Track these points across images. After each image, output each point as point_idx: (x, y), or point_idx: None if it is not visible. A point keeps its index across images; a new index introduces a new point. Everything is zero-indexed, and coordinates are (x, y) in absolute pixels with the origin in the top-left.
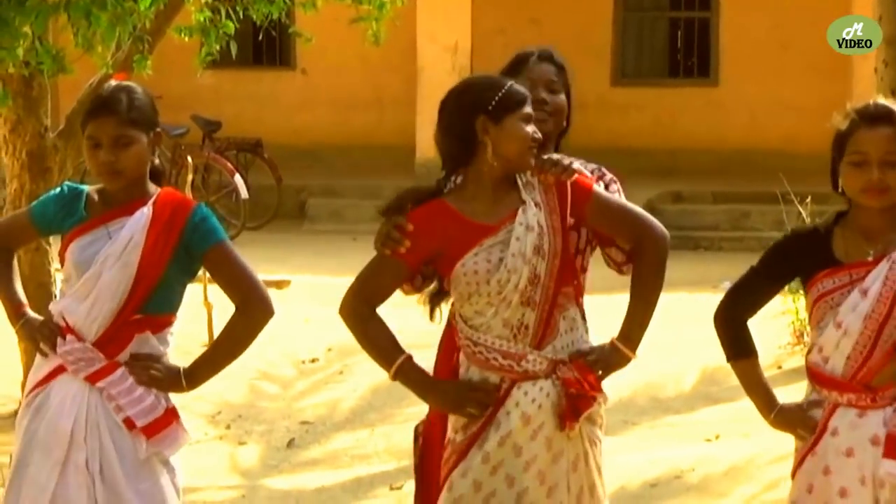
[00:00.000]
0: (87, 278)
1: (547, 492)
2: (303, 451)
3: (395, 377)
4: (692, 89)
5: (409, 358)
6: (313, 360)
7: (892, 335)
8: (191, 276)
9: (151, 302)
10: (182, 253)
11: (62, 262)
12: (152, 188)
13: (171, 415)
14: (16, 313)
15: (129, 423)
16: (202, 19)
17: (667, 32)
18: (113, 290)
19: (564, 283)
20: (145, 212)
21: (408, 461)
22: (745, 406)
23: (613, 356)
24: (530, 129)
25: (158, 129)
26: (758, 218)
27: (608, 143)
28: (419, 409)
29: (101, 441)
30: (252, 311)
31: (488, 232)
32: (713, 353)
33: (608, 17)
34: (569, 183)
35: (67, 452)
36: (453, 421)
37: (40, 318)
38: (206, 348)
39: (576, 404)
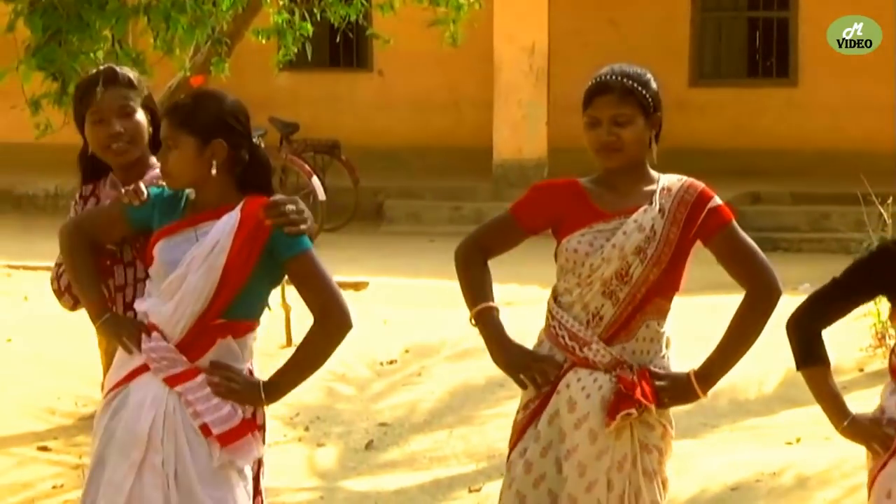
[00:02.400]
0: (173, 279)
1: (586, 486)
2: (381, 452)
3: (473, 320)
4: (771, 90)
5: (494, 308)
6: (391, 362)
7: None
8: (275, 283)
9: (234, 307)
10: (267, 259)
11: (148, 260)
12: (241, 194)
13: (247, 425)
14: (98, 309)
15: (206, 430)
16: (280, 21)
17: (745, 32)
18: (197, 293)
19: (660, 293)
20: (233, 216)
21: (486, 463)
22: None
23: (685, 390)
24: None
25: (221, 140)
26: (838, 219)
27: (686, 144)
28: (497, 411)
29: (177, 445)
30: (331, 323)
31: (601, 217)
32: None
33: (686, 18)
34: (711, 206)
35: (145, 454)
36: (521, 402)
37: (122, 315)
38: (283, 349)
39: (619, 401)
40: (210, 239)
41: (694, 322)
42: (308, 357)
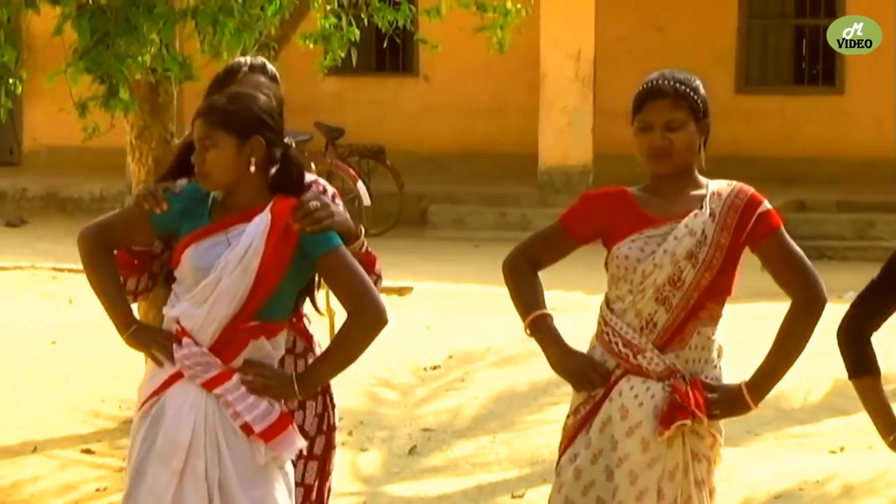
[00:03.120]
0: (207, 283)
1: (637, 494)
2: (424, 458)
3: (528, 329)
4: (817, 97)
5: (548, 315)
6: (434, 368)
7: None
8: (304, 282)
9: (267, 308)
10: (298, 259)
11: (175, 265)
12: (271, 195)
13: (286, 419)
14: (124, 321)
15: (248, 429)
16: (327, 26)
17: (792, 39)
18: (231, 296)
19: (713, 298)
20: (264, 218)
21: (529, 469)
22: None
23: (737, 403)
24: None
25: (259, 137)
26: (883, 227)
27: (732, 151)
28: (540, 417)
29: (219, 449)
30: (364, 318)
31: (651, 223)
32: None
33: (733, 24)
34: (760, 211)
35: (185, 461)
36: (571, 406)
37: (150, 325)
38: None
39: (673, 411)
40: (243, 242)
41: (739, 330)
42: (342, 351)
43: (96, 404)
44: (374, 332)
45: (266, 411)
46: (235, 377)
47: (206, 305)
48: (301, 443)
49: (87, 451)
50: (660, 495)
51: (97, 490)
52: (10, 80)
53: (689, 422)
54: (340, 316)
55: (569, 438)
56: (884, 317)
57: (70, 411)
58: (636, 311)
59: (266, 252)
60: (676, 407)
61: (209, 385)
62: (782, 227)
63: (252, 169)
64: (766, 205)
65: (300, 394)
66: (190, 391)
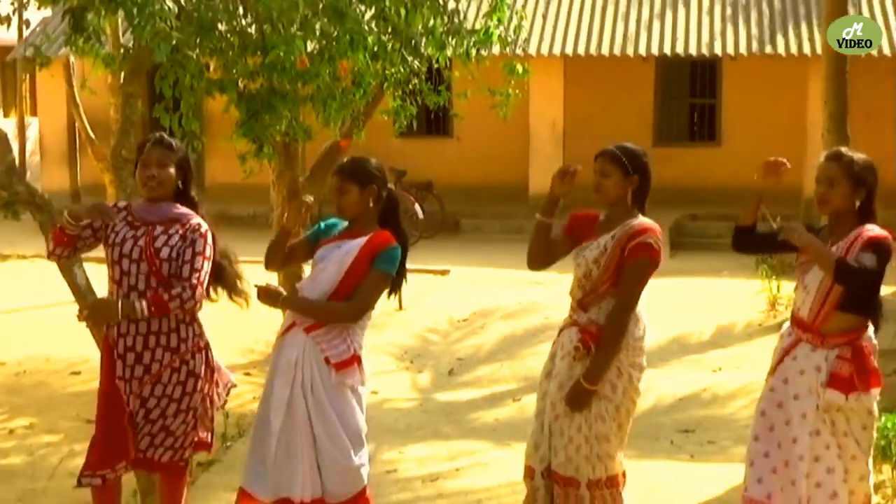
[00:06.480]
0: (319, 266)
1: (557, 386)
2: (458, 377)
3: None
4: (704, 149)
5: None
6: (465, 320)
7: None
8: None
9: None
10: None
11: (308, 257)
12: (377, 226)
13: (355, 359)
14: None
15: (328, 361)
16: (395, 105)
17: (688, 112)
18: (328, 278)
19: (606, 283)
20: (362, 240)
21: (524, 383)
22: (740, 351)
23: (581, 388)
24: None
25: (376, 186)
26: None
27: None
28: (532, 351)
29: (312, 369)
30: (348, 307)
31: (590, 237)
32: (722, 317)
33: (650, 102)
34: (634, 243)
35: (292, 377)
36: (544, 369)
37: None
38: (396, 312)
39: (582, 345)
40: (344, 248)
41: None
42: (317, 308)
43: (251, 345)
44: (341, 318)
45: (342, 351)
46: (325, 327)
47: (312, 281)
48: (362, 379)
49: (247, 374)
50: (561, 387)
51: (253, 398)
52: (195, 142)
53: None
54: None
55: (544, 371)
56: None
57: (235, 349)
58: (571, 290)
59: (355, 260)
60: (582, 342)
61: (308, 330)
62: (646, 258)
63: (371, 205)
64: (647, 239)
65: (281, 304)
66: (298, 334)
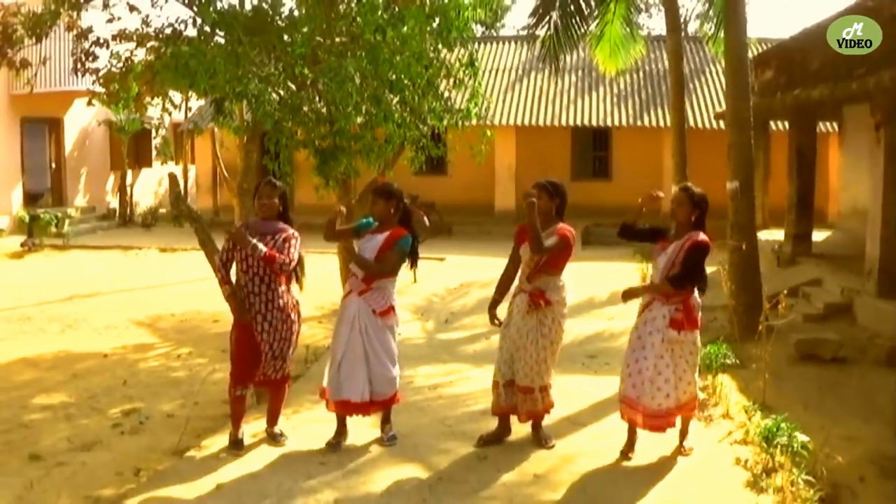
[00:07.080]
0: (363, 249)
1: (516, 330)
2: (451, 324)
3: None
4: (600, 183)
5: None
6: (455, 288)
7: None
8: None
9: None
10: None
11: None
12: (395, 225)
13: (391, 308)
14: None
15: (374, 311)
16: (412, 155)
17: (591, 159)
18: (370, 255)
19: (541, 265)
20: (385, 234)
21: (492, 329)
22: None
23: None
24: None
25: (396, 200)
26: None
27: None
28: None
29: (365, 319)
30: (378, 268)
31: (528, 239)
32: (613, 285)
33: (569, 153)
34: (549, 230)
35: (352, 323)
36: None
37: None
38: (412, 284)
39: (531, 303)
40: (374, 240)
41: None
42: (365, 262)
43: (325, 303)
44: (373, 270)
45: (383, 304)
46: (371, 291)
47: (362, 254)
48: (396, 321)
49: (319, 322)
50: (526, 334)
51: (324, 337)
52: (289, 179)
53: (542, 308)
54: (421, 268)
55: (504, 321)
56: (632, 235)
57: (314, 303)
58: (522, 269)
59: (381, 247)
60: (532, 301)
61: (360, 293)
62: (565, 241)
63: (393, 212)
64: (565, 231)
65: (355, 260)
66: (353, 297)
